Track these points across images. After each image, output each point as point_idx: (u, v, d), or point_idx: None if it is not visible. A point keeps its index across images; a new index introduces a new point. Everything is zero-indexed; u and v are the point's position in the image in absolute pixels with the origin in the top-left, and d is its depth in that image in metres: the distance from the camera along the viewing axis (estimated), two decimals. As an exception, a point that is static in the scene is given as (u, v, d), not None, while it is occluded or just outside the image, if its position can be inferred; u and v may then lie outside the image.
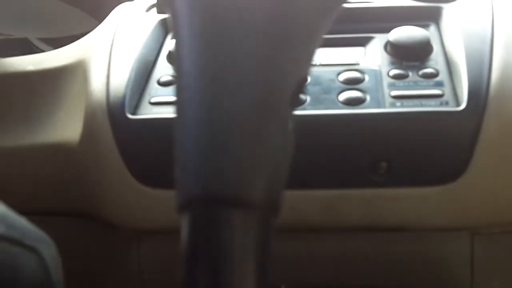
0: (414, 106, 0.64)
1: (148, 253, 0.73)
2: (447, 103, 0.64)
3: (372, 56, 0.71)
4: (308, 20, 0.39)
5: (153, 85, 0.70)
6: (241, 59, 0.38)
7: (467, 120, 0.63)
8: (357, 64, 0.70)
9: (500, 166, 0.64)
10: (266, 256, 0.37)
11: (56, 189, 0.75)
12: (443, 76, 0.67)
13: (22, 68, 0.81)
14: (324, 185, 0.65)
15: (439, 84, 0.66)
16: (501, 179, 0.64)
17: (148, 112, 0.68)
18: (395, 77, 0.68)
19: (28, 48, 1.05)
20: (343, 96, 0.66)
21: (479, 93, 0.64)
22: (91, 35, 0.82)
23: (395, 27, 0.71)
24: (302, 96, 0.66)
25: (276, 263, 0.39)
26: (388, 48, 0.71)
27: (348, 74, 0.69)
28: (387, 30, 0.72)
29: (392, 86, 0.67)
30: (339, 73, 0.69)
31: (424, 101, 0.65)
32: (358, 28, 0.75)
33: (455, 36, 0.70)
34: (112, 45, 0.75)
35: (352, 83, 0.68)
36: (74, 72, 0.77)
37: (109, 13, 0.82)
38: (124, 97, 0.68)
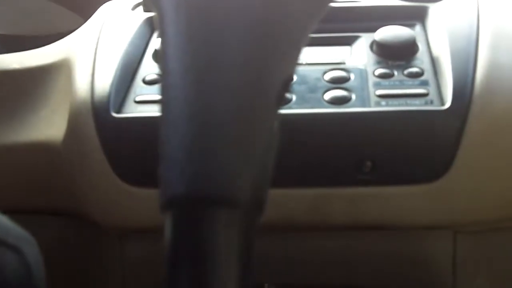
0: (399, 105, 0.65)
1: (131, 252, 0.73)
2: (432, 102, 0.65)
3: (358, 55, 0.71)
4: (294, 19, 0.39)
5: (138, 84, 0.70)
6: (226, 58, 0.38)
7: (452, 119, 0.63)
8: (343, 63, 0.71)
9: (484, 165, 0.64)
10: (250, 255, 0.37)
11: (39, 187, 0.75)
12: (428, 76, 0.67)
13: (6, 66, 0.81)
14: (309, 183, 0.66)
15: (424, 84, 0.67)
16: (484, 178, 0.65)
17: (133, 111, 0.67)
18: (381, 76, 0.68)
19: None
20: (328, 95, 0.66)
21: (464, 92, 0.64)
22: (76, 33, 0.81)
23: (381, 27, 0.71)
24: (287, 95, 0.66)
25: (260, 262, 0.39)
26: (374, 47, 0.71)
27: (334, 73, 0.69)
28: (373, 30, 0.72)
29: (377, 85, 0.67)
30: (325, 72, 0.69)
31: (409, 100, 0.65)
32: (344, 27, 0.75)
33: (441, 36, 0.70)
34: (97, 43, 0.74)
35: (337, 82, 0.68)
36: (59, 70, 0.77)
37: (95, 11, 0.82)
38: (109, 95, 0.68)
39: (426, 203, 0.65)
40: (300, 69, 0.69)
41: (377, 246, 0.70)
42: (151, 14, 0.77)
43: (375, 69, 0.69)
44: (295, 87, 0.67)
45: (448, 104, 0.64)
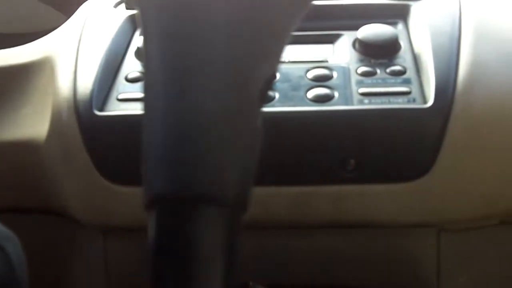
0: (381, 103, 0.65)
1: (114, 251, 0.73)
2: (414, 101, 0.65)
3: (340, 54, 0.71)
4: (276, 17, 0.39)
5: (121, 82, 0.70)
6: (208, 56, 0.37)
7: (434, 117, 0.64)
8: (326, 61, 0.71)
9: (466, 163, 0.65)
10: (234, 253, 0.37)
11: (22, 186, 0.74)
12: (410, 74, 0.68)
13: None
14: (292, 181, 0.66)
15: (407, 82, 0.67)
16: (467, 176, 0.65)
17: (116, 109, 0.67)
18: (363, 74, 0.68)
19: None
20: (311, 93, 0.66)
21: (446, 90, 0.64)
22: (58, 30, 0.81)
23: (364, 25, 0.72)
24: (270, 93, 0.66)
25: (244, 260, 0.39)
26: (357, 45, 0.71)
27: (317, 71, 0.69)
28: (355, 28, 0.72)
29: (360, 83, 0.67)
30: (307, 70, 0.69)
31: (391, 98, 0.65)
32: (326, 25, 0.75)
33: (423, 34, 0.70)
34: (79, 41, 0.74)
35: (320, 80, 0.68)
36: (41, 68, 0.76)
37: (77, 9, 0.82)
38: (91, 93, 0.68)
39: (409, 201, 0.65)
40: (283, 67, 0.69)
41: (360, 244, 0.70)
42: (134, 11, 0.77)
43: (358, 67, 0.69)
44: (278, 85, 0.67)
45: (430, 102, 0.64)
